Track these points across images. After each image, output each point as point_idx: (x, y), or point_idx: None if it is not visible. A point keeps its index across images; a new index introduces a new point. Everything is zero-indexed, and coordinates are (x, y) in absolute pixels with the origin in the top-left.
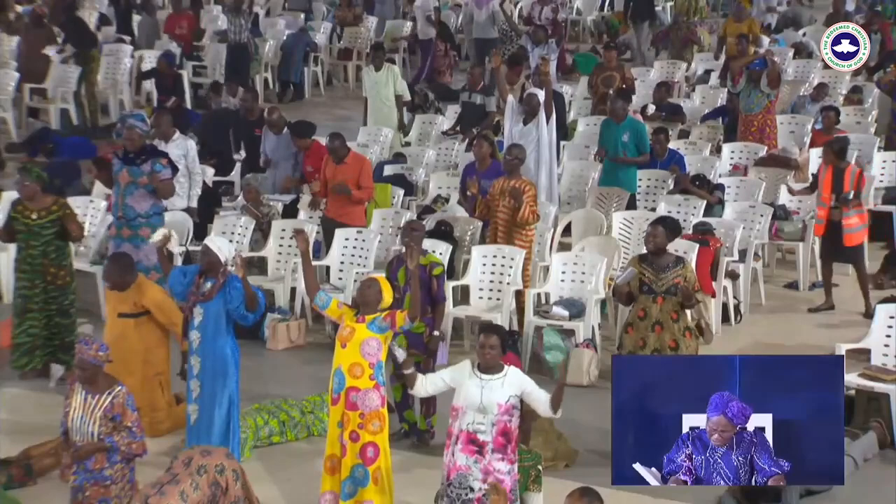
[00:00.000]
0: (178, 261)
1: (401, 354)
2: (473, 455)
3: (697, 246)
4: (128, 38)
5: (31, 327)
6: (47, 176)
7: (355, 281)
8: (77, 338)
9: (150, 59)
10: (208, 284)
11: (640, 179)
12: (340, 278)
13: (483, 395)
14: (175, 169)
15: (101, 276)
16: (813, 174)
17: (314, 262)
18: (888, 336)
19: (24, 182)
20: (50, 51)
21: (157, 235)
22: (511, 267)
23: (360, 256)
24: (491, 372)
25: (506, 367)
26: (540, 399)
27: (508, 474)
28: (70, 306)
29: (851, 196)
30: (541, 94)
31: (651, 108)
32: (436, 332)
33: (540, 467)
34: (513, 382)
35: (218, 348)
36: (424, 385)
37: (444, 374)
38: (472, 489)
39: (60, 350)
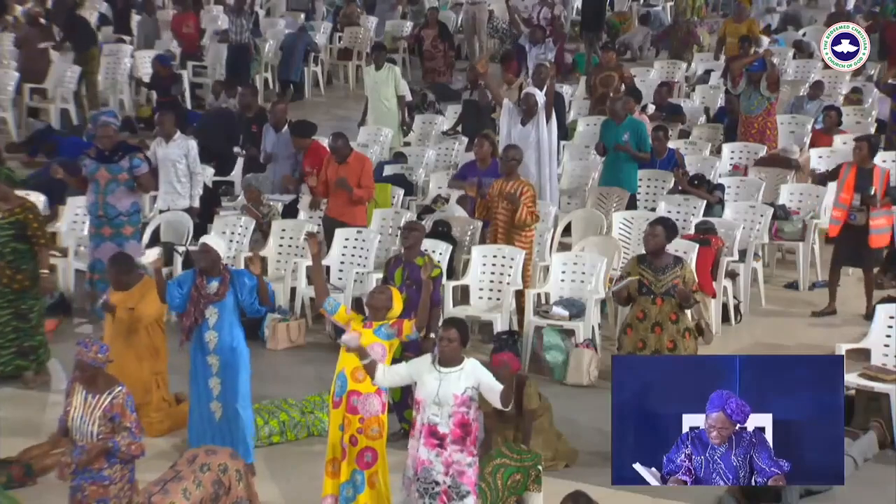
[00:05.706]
0: (178, 261)
1: (352, 338)
2: (434, 448)
3: (697, 246)
4: (128, 39)
5: None
6: (17, 176)
7: (355, 281)
8: (46, 339)
9: (148, 60)
10: (214, 284)
11: (640, 179)
12: (340, 278)
13: (441, 387)
14: (149, 162)
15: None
16: (814, 169)
17: None
18: (888, 336)
19: None
20: (47, 45)
21: (151, 256)
22: (511, 267)
23: (360, 256)
24: (450, 365)
25: (465, 360)
26: (493, 391)
27: (470, 466)
28: (29, 311)
29: (878, 196)
30: (539, 95)
31: (651, 108)
32: (431, 335)
33: (540, 467)
34: (470, 374)
35: (235, 342)
36: (385, 376)
37: (404, 367)
38: (437, 483)
39: (19, 355)
